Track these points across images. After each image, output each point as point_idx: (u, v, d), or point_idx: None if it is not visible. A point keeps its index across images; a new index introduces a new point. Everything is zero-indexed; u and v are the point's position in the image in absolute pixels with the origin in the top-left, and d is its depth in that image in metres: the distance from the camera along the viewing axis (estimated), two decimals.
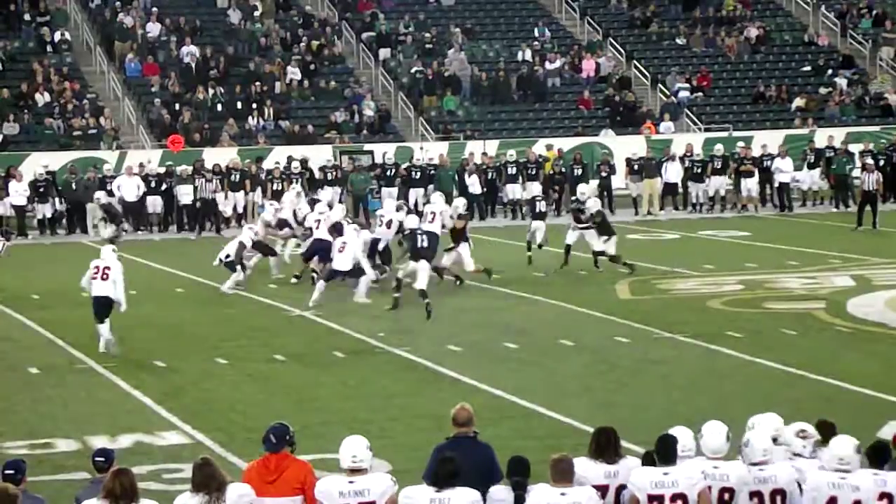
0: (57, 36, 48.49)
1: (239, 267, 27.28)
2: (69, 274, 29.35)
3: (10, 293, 27.34)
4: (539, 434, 15.89)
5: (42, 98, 45.16)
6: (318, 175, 39.96)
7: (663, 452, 9.92)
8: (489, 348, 21.37)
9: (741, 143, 42.59)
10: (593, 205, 29.60)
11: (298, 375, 19.76)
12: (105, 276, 21.27)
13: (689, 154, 41.97)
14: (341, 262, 25.40)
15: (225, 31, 50.29)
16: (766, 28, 53.63)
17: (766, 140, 43.45)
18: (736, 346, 21.11)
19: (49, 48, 48.19)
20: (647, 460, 10.03)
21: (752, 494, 9.87)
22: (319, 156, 41.47)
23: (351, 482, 9.71)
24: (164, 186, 38.90)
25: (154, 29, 49.24)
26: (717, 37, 53.10)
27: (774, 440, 10.28)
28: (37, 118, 44.33)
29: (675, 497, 9.64)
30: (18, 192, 38.13)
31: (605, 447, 10.10)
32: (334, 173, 40.08)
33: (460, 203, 28.83)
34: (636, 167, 41.45)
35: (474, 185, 40.25)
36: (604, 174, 41.39)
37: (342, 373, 19.95)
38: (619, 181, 42.00)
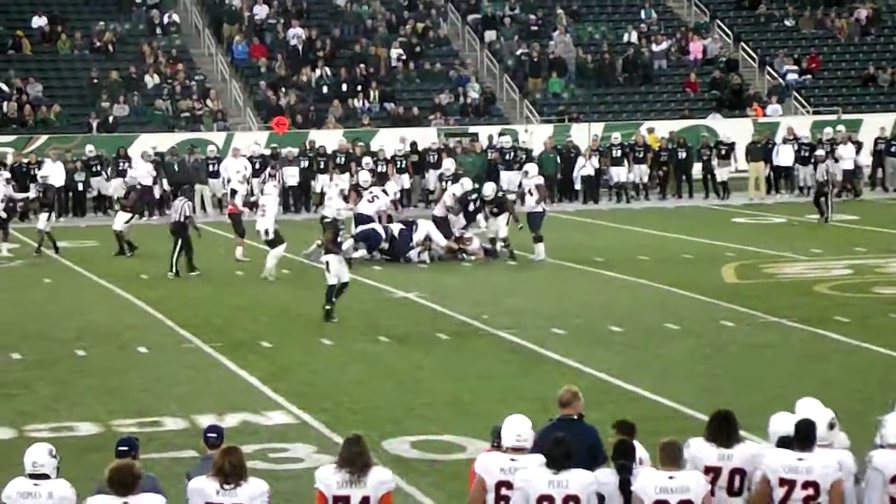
0: (166, 18, 49.05)
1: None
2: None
3: (120, 274, 27.73)
4: (643, 418, 15.80)
5: (151, 80, 45.70)
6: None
7: (802, 437, 9.73)
8: (593, 331, 21.32)
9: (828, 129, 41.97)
10: (490, 191, 29.66)
11: (402, 357, 19.84)
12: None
13: (792, 137, 41.44)
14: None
15: (331, 13, 50.53)
16: (876, 8, 52.83)
17: (881, 123, 42.95)
18: (843, 331, 20.88)
19: (158, 30, 48.74)
20: (782, 443, 9.91)
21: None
22: (425, 138, 41.55)
23: (513, 460, 9.77)
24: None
25: (261, 11, 49.60)
26: (826, 18, 52.41)
27: None
28: (146, 100, 44.87)
29: (806, 484, 9.54)
30: (142, 173, 38.34)
31: (720, 430, 10.02)
32: (436, 156, 40.04)
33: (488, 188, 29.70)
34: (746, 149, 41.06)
35: (587, 167, 40.10)
36: (705, 157, 41.06)
37: (446, 355, 20.00)
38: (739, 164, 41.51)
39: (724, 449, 9.93)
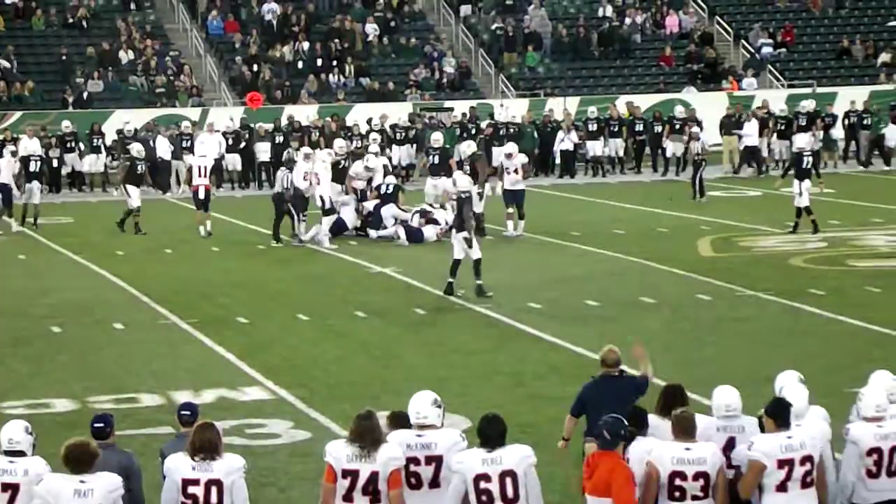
0: None
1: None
2: (153, 230, 29.75)
3: (96, 250, 27.65)
4: None
5: (125, 56, 45.50)
6: (391, 134, 39.75)
7: (783, 416, 9.71)
8: (569, 305, 21.34)
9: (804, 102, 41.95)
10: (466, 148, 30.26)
11: (379, 332, 19.84)
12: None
13: (764, 110, 41.31)
14: None
15: None
16: None
17: (853, 96, 43.02)
18: (819, 303, 20.94)
19: (132, 6, 48.50)
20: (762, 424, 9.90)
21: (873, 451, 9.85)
22: (400, 113, 41.49)
23: (419, 436, 9.73)
24: (242, 144, 38.93)
25: None
26: None
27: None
28: (120, 76, 44.69)
29: (804, 460, 9.56)
30: (212, 145, 37.42)
31: (673, 404, 10.09)
32: (404, 133, 39.82)
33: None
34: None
35: (566, 141, 40.04)
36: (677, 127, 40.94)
37: (423, 330, 20.02)
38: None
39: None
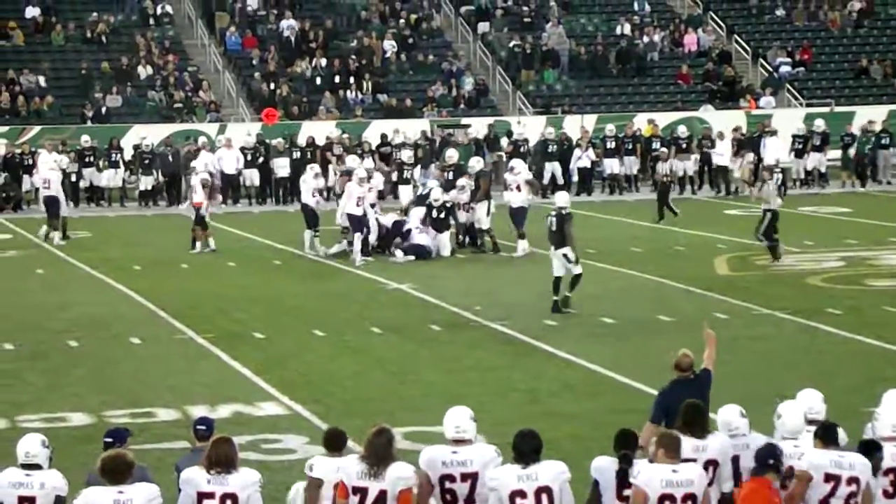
0: (159, 9, 49.01)
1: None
2: (170, 245, 29.81)
3: (113, 264, 27.71)
4: (635, 409, 15.83)
5: (144, 71, 45.66)
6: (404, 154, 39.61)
7: (832, 437, 9.77)
8: (586, 323, 21.33)
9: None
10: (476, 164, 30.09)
11: (395, 348, 19.84)
12: None
13: (739, 132, 40.61)
14: None
15: (324, 5, 50.51)
16: (869, 1, 52.83)
17: (871, 115, 42.98)
18: (836, 323, 20.91)
19: (151, 21, 48.70)
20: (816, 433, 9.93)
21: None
22: (416, 129, 41.49)
23: (454, 452, 9.71)
24: (260, 159, 39.01)
25: (253, 2, 49.56)
26: (819, 10, 52.44)
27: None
28: (139, 91, 44.83)
29: (850, 480, 9.57)
30: (230, 160, 38.25)
31: (694, 421, 10.07)
32: (413, 152, 39.57)
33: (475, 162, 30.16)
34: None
35: (583, 159, 40.02)
36: (705, 148, 40.87)
37: (438, 346, 20.01)
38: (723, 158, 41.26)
39: (699, 440, 9.98)
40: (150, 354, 19.62)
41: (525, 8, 50.83)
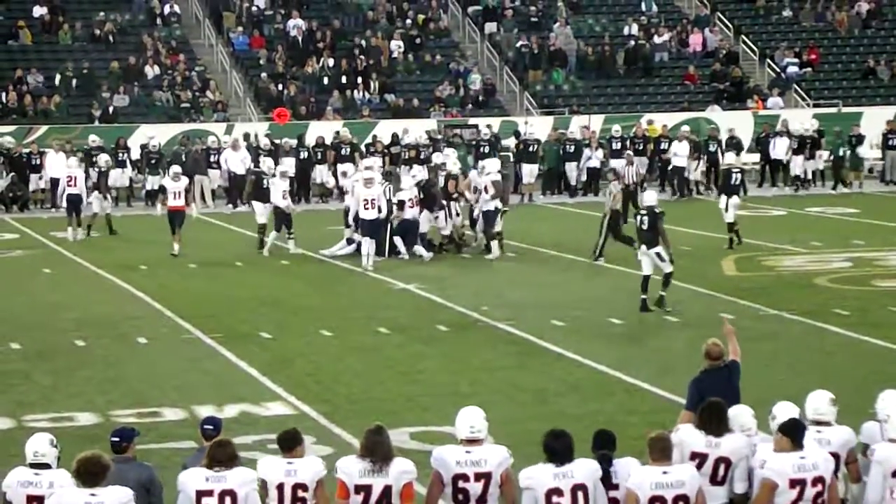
0: (166, 9, 49.03)
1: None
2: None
3: (120, 264, 27.72)
4: (642, 410, 15.86)
5: (151, 71, 45.68)
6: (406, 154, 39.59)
7: (797, 436, 9.71)
8: (593, 323, 21.33)
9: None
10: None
11: (402, 348, 19.84)
12: None
13: (695, 134, 40.69)
14: None
15: (331, 4, 50.51)
16: (877, 1, 52.79)
17: (878, 116, 42.99)
18: (843, 323, 20.89)
19: (158, 21, 48.71)
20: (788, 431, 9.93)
21: None
22: (424, 129, 41.52)
23: (468, 452, 9.71)
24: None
25: (261, 2, 49.56)
26: (826, 11, 52.39)
27: None
28: (146, 90, 44.85)
29: (816, 481, 9.53)
30: (237, 161, 38.31)
31: (711, 419, 10.05)
32: (414, 152, 39.57)
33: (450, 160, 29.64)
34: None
35: (592, 159, 40.02)
36: (712, 149, 40.79)
37: (445, 346, 20.01)
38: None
39: (714, 437, 9.97)
40: (156, 354, 19.63)
41: (533, 8, 50.81)
